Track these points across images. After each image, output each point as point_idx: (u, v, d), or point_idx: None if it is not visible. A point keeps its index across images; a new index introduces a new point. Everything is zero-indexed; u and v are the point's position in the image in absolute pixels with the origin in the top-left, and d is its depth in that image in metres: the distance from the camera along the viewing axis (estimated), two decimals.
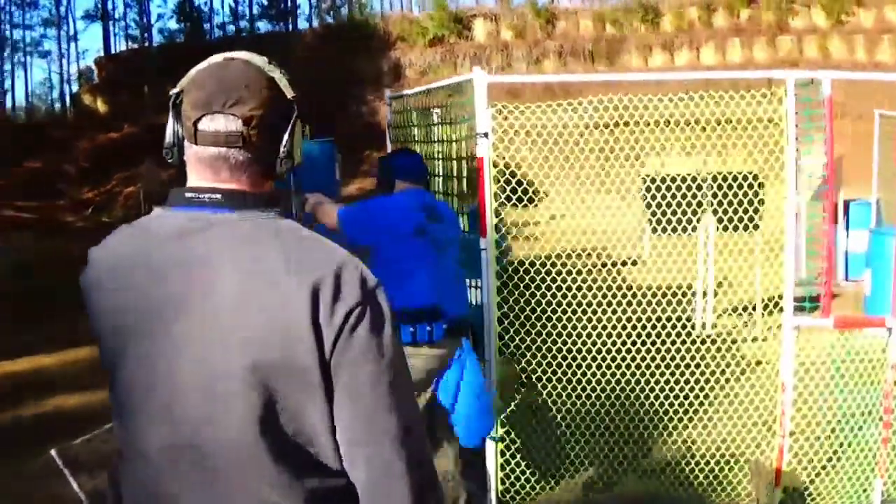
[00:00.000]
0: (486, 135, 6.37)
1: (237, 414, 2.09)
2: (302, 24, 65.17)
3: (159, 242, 2.21)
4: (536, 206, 8.86)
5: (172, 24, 72.91)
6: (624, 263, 11.27)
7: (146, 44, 67.16)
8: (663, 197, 8.34)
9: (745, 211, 7.90)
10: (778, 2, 42.55)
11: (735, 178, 9.07)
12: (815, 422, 7.33)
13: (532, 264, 7.53)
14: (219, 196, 2.20)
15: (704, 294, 10.46)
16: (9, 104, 72.96)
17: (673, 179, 8.66)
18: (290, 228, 2.23)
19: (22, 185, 40.86)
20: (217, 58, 2.30)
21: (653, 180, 9.23)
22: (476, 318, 7.36)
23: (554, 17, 44.93)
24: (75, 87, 66.99)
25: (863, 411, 7.41)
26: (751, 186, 8.81)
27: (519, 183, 6.93)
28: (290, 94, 2.29)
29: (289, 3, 67.90)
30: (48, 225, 35.40)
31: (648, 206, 9.46)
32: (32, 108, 76.94)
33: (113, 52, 64.36)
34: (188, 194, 2.23)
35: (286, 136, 2.25)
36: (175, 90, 2.26)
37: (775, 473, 6.55)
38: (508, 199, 7.05)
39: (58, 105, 69.99)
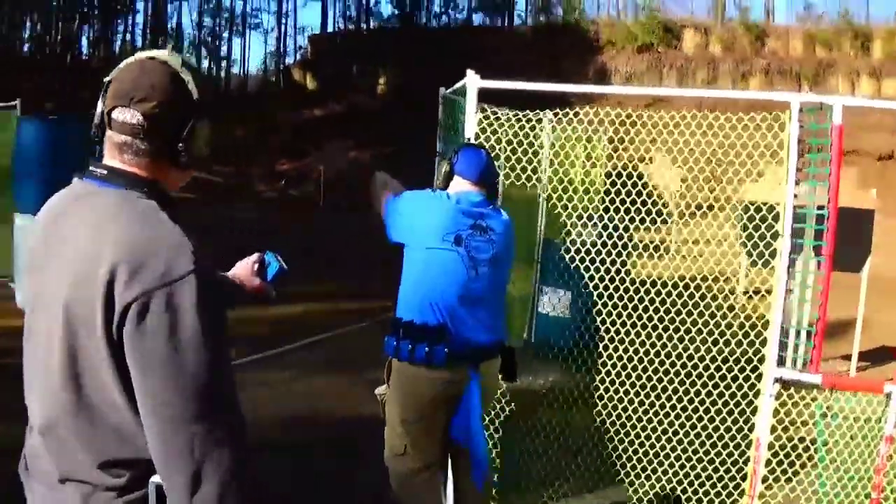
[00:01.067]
0: (477, 139, 6.87)
1: (56, 369, 2.66)
2: (517, 20, 67.50)
3: (57, 205, 2.91)
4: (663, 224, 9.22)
5: (389, 9, 78.74)
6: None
7: (361, 25, 70.69)
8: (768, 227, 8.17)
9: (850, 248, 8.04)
10: None
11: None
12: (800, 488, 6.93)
13: (642, 283, 7.55)
14: (105, 172, 2.80)
15: (798, 333, 9.76)
16: (223, 73, 78.79)
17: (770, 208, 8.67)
18: (144, 208, 2.75)
19: (222, 151, 44.10)
20: (142, 55, 2.90)
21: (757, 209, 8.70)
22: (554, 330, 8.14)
23: (764, 34, 46.77)
24: (290, 61, 71.29)
25: (853, 483, 6.94)
26: (857, 222, 9.02)
27: (653, 203, 7.27)
28: (195, 95, 2.87)
29: None
30: (238, 192, 40.11)
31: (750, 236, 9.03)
32: (247, 78, 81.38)
33: (329, 31, 69.07)
34: (91, 168, 2.84)
35: (184, 132, 2.82)
36: (107, 78, 2.87)
37: None
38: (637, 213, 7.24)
39: (272, 78, 74.40)
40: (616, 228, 7.72)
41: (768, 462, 6.38)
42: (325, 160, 38.23)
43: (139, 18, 74.83)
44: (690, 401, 7.17)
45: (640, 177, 7.55)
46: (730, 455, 7.00)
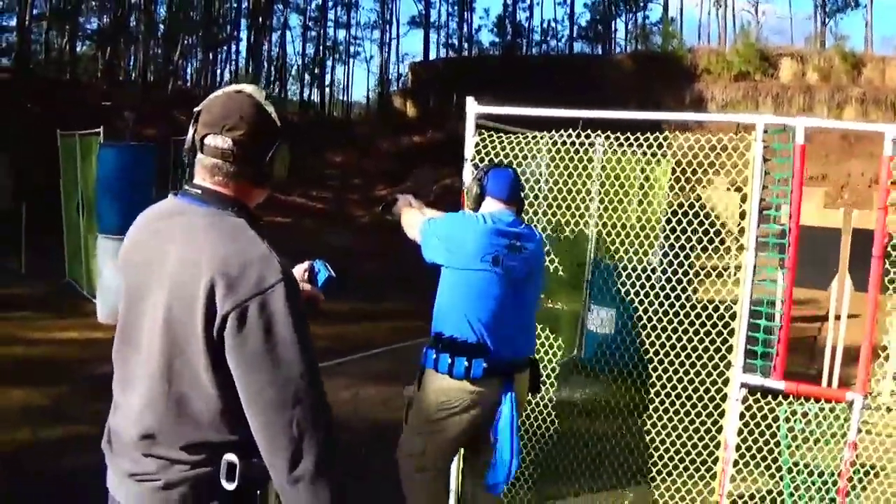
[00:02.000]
0: (472, 161, 7.16)
1: (155, 356, 3.14)
2: (616, 49, 68.58)
3: (156, 218, 3.35)
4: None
5: (490, 37, 79.68)
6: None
7: (463, 53, 72.67)
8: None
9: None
10: None
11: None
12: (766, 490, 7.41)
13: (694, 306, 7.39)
14: (199, 192, 3.26)
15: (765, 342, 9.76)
16: (326, 101, 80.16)
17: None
18: (234, 225, 3.20)
19: (321, 177, 46.25)
20: (230, 88, 3.38)
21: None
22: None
23: (861, 63, 46.59)
24: (392, 89, 72.80)
25: (816, 486, 7.17)
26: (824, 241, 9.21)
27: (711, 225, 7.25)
28: (277, 124, 3.38)
29: (607, 27, 72.02)
30: (335, 216, 40.76)
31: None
32: (350, 105, 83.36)
33: (430, 58, 70.13)
34: (186, 187, 3.32)
35: (268, 157, 3.30)
36: (197, 108, 3.32)
37: None
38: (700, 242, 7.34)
39: (374, 105, 75.97)
40: (676, 255, 7.71)
41: (736, 462, 6.63)
42: (415, 186, 38.81)
43: (242, 47, 76.26)
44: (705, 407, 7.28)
45: (699, 201, 7.73)
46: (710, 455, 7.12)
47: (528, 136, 7.64)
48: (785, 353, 6.73)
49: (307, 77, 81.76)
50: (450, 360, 5.79)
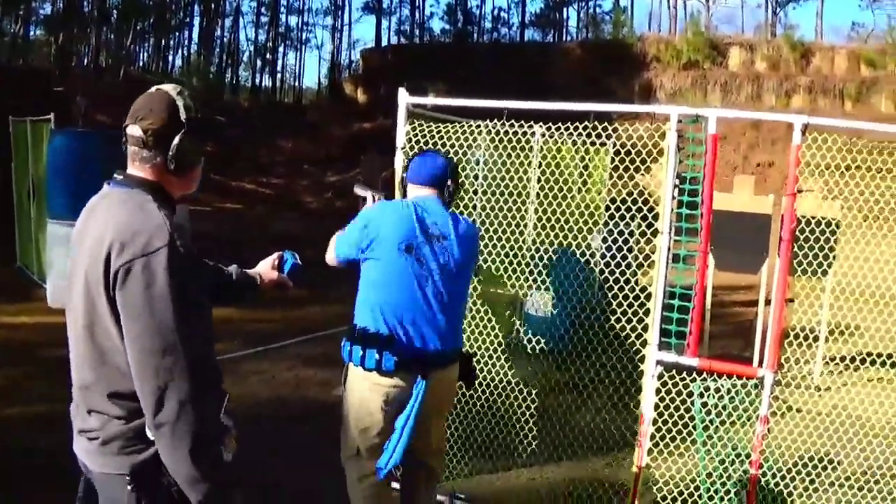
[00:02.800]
0: (403, 149, 7.47)
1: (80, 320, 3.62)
2: (568, 37, 68.91)
3: (92, 203, 3.82)
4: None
5: (442, 24, 79.78)
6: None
7: (414, 40, 72.91)
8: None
9: (814, 255, 8.40)
10: None
11: (807, 222, 9.16)
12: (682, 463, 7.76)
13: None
14: (121, 177, 3.76)
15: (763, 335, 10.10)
16: (277, 84, 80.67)
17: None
18: (140, 201, 3.63)
19: (272, 163, 46.90)
20: (154, 87, 3.85)
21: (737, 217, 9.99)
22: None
23: (810, 52, 47.01)
24: (343, 75, 72.80)
25: (730, 458, 7.46)
26: (825, 231, 9.07)
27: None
28: (184, 116, 3.73)
29: (559, 15, 72.48)
30: (286, 202, 40.86)
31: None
32: (301, 91, 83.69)
33: (382, 45, 70.23)
34: (115, 174, 3.81)
35: (173, 146, 3.68)
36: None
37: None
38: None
39: (325, 92, 75.92)
40: (616, 241, 8.08)
41: (653, 437, 6.92)
42: (363, 173, 39.07)
43: (194, 33, 76.04)
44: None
45: (637, 188, 8.07)
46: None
47: (464, 125, 7.72)
48: (698, 332, 7.03)
49: (259, 63, 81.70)
50: (361, 353, 5.81)
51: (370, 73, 59.86)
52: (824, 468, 7.88)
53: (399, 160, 7.44)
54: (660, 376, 6.97)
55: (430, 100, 7.76)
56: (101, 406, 3.63)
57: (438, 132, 7.63)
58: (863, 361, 9.22)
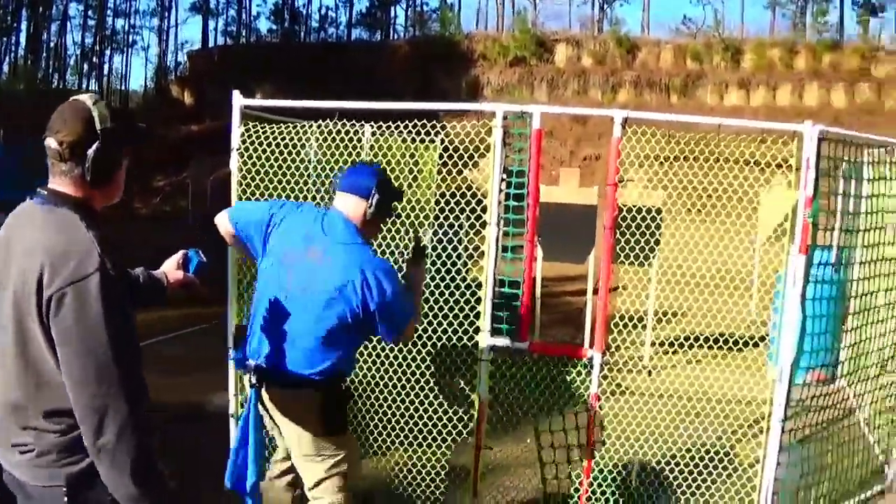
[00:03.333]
0: (237, 150, 7.66)
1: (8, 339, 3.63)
2: (396, 35, 69.09)
3: (14, 220, 3.79)
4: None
5: (269, 24, 79.42)
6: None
7: (241, 41, 72.39)
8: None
9: (637, 242, 8.75)
10: (862, 49, 45.00)
11: (630, 211, 9.24)
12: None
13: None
14: (45, 192, 3.72)
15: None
16: (104, 87, 79.21)
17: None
18: (65, 220, 3.62)
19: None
20: (71, 98, 3.79)
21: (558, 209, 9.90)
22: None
23: (636, 47, 47.88)
24: (170, 78, 71.93)
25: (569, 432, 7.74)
26: (647, 219, 9.15)
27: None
28: (99, 127, 3.67)
29: (386, 14, 72.70)
30: (115, 206, 42.53)
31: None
32: (127, 95, 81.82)
33: (209, 46, 69.81)
34: (38, 189, 3.77)
35: (89, 157, 3.64)
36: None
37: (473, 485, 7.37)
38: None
39: (152, 95, 74.41)
40: (446, 234, 8.11)
41: (490, 419, 7.27)
42: (191, 176, 38.82)
43: (22, 37, 74.76)
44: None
45: (465, 183, 8.13)
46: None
47: (296, 126, 7.87)
48: (527, 318, 7.42)
49: (86, 67, 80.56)
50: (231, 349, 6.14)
51: (197, 74, 59.45)
52: (655, 441, 8.50)
53: (234, 162, 7.53)
54: (493, 361, 7.30)
55: (264, 101, 7.85)
56: (37, 423, 3.68)
57: (273, 133, 7.76)
58: (688, 343, 9.96)
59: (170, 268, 4.93)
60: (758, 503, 7.46)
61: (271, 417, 5.73)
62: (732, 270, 8.89)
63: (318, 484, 5.84)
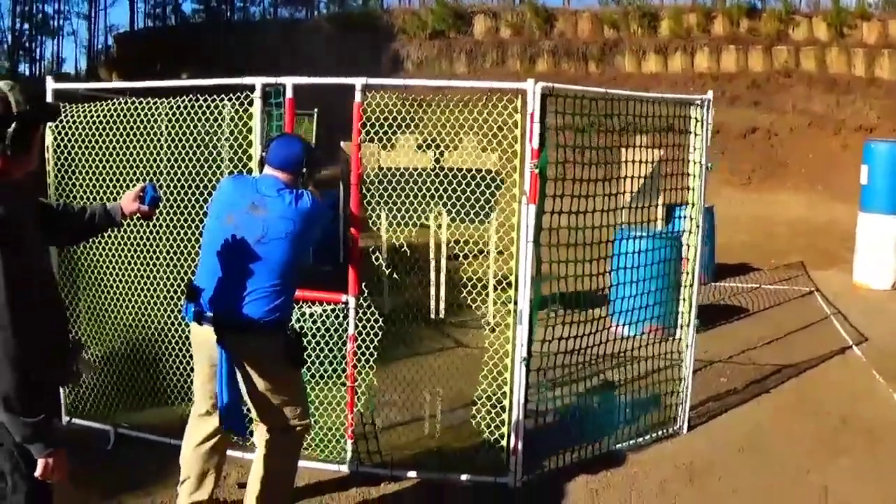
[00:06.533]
0: (49, 127, 9.11)
1: None
2: (317, 12, 68.69)
3: None
4: None
5: (194, 5, 79.54)
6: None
7: (168, 22, 72.78)
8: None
9: (475, 203, 9.29)
10: (779, 13, 45.62)
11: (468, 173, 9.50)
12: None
13: None
14: None
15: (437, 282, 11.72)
16: (36, 73, 79.55)
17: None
18: None
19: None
20: None
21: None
22: None
23: (553, 17, 48.20)
24: (99, 61, 72.08)
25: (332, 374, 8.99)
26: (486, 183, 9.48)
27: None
28: (15, 109, 4.44)
29: None
30: (44, 194, 42.39)
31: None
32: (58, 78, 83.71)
33: (136, 29, 69.94)
34: None
35: (8, 134, 4.39)
36: None
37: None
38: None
39: (82, 77, 73.88)
40: None
41: None
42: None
43: None
44: None
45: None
46: None
47: (143, 103, 9.05)
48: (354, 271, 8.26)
49: (19, 52, 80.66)
50: (185, 305, 6.64)
51: (125, 58, 59.04)
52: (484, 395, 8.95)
53: (48, 139, 9.10)
54: None
55: (77, 85, 9.12)
56: None
57: (88, 113, 9.19)
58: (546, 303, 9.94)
59: (128, 200, 6.02)
60: (507, 437, 8.33)
61: (229, 361, 6.47)
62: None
63: (277, 413, 6.81)
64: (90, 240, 8.15)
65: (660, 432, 10.08)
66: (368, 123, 8.28)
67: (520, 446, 8.34)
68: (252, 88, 8.30)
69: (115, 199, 7.42)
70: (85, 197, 9.60)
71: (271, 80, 8.27)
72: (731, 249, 25.30)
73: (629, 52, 45.94)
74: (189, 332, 6.96)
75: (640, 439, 9.82)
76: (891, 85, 41.68)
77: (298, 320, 8.32)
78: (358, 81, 7.90)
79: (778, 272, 23.49)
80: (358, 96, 7.94)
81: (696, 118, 9.63)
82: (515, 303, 8.14)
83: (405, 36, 48.92)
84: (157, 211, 6.46)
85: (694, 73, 44.27)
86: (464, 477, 8.59)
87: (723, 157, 36.48)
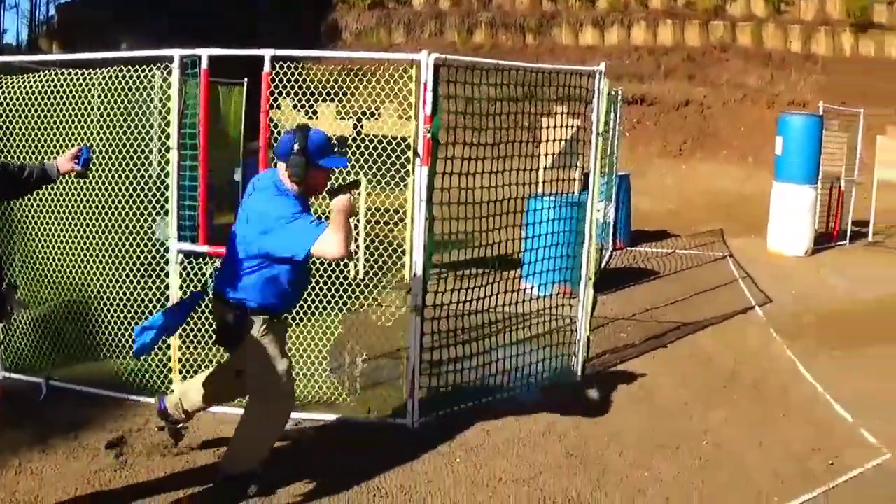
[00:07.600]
0: None
1: None
2: None
3: None
4: None
5: None
6: None
7: None
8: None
9: (392, 166, 9.87)
10: None
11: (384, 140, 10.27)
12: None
13: None
14: None
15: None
16: None
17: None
18: None
19: None
20: None
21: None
22: None
23: None
24: (41, 32, 70.44)
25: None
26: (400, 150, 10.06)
27: None
28: None
29: None
30: None
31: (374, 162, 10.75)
32: (1, 50, 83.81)
33: None
34: None
35: None
36: None
37: None
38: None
39: (24, 49, 73.31)
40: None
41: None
42: None
43: None
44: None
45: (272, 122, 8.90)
46: None
47: (75, 74, 9.38)
48: (204, 224, 8.89)
49: None
50: None
51: (66, 27, 59.00)
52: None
53: None
54: (181, 262, 8.82)
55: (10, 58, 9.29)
56: None
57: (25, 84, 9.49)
58: (464, 266, 10.74)
59: (64, 159, 6.74)
60: (403, 380, 9.14)
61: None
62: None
63: (249, 382, 7.46)
64: (26, 196, 8.27)
65: (556, 381, 10.79)
66: (287, 93, 8.87)
67: (415, 389, 9.04)
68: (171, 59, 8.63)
69: None
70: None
71: (188, 51, 8.74)
72: (656, 217, 26.40)
73: (566, 25, 46.44)
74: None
75: (535, 386, 10.51)
76: (826, 61, 42.74)
77: (205, 274, 8.86)
78: (267, 53, 8.57)
79: (695, 238, 24.38)
80: (267, 66, 8.57)
81: (588, 89, 10.30)
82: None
83: (344, 6, 49.06)
84: (90, 172, 7.11)
85: (630, 47, 44.99)
86: (370, 418, 9.41)
87: (656, 128, 37.38)
